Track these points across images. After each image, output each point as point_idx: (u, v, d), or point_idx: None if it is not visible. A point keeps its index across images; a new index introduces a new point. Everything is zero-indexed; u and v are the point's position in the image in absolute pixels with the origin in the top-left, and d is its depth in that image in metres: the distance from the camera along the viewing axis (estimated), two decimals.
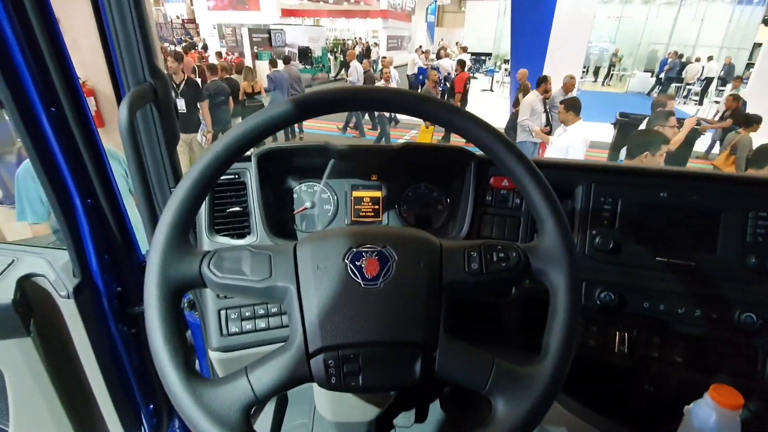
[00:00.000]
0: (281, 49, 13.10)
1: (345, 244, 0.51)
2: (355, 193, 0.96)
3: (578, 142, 3.64)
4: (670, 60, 13.79)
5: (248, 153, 0.86)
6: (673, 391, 0.79)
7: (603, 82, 16.67)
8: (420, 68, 11.88)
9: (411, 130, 8.43)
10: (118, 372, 1.02)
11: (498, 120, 6.71)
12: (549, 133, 4.79)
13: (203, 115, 4.97)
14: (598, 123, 7.00)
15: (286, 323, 0.80)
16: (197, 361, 1.13)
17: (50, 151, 0.81)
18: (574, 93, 5.33)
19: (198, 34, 18.92)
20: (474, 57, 16.46)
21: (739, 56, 13.70)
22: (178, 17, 22.38)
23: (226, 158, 0.51)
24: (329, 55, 16.69)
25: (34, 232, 1.78)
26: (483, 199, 0.88)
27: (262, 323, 0.80)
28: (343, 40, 19.93)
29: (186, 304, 1.02)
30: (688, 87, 12.76)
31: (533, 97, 4.94)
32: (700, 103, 11.89)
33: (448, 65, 10.67)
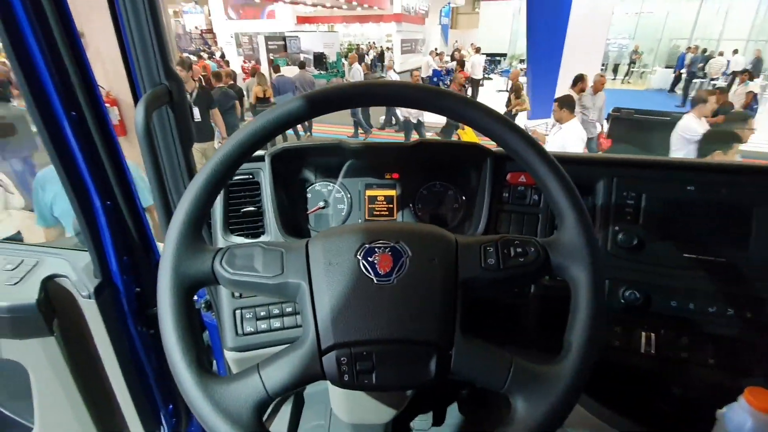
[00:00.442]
0: (297, 55, 13.28)
1: (357, 240, 0.50)
2: (369, 192, 0.95)
3: (574, 139, 3.57)
4: (688, 55, 13.38)
5: (261, 153, 0.86)
6: (705, 395, 0.75)
7: (623, 80, 16.30)
8: (435, 70, 11.88)
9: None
10: (138, 372, 1.04)
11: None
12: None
13: (216, 123, 5.04)
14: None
15: (300, 323, 0.80)
16: (215, 362, 1.13)
17: (71, 153, 0.83)
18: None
19: (216, 43, 19.37)
20: (489, 58, 16.32)
21: (767, 49, 13.18)
22: (196, 28, 22.97)
23: (239, 155, 0.51)
24: (343, 60, 16.84)
25: (45, 237, 1.91)
26: (500, 196, 0.85)
27: (276, 323, 0.80)
28: (357, 44, 20.08)
29: (203, 305, 1.03)
30: (712, 82, 12.34)
31: (570, 98, 4.72)
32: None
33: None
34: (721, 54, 12.99)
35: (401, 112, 6.80)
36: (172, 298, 0.46)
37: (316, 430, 1.24)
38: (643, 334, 0.77)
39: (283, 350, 0.47)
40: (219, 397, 0.43)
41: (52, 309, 0.93)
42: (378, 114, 8.46)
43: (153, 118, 0.85)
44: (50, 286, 0.92)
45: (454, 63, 11.66)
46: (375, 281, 0.47)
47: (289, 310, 0.80)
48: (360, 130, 7.96)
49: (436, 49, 16.48)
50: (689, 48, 14.18)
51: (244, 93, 6.66)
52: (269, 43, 14.16)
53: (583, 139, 3.62)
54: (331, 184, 0.96)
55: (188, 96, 4.56)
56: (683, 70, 12.94)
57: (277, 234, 0.83)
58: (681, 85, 12.90)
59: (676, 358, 0.76)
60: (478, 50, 12.82)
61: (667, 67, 15.15)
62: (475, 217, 0.87)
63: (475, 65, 11.11)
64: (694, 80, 12.30)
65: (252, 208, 0.85)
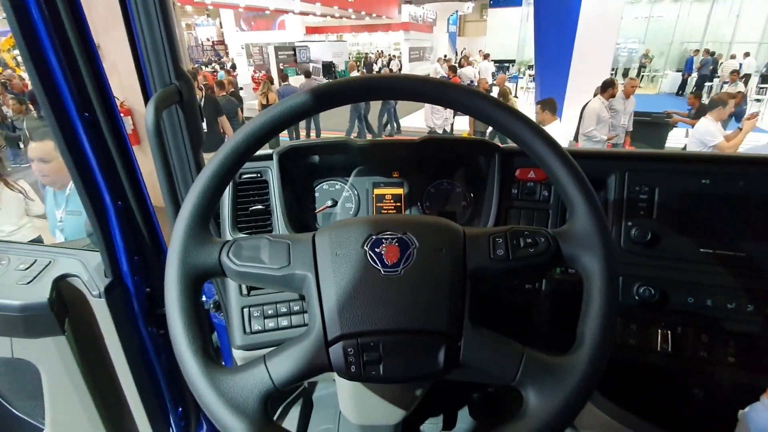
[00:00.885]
0: (306, 65, 13.46)
1: (364, 232, 0.50)
2: (377, 191, 0.95)
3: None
4: (696, 58, 13.23)
5: (269, 151, 0.87)
6: (725, 394, 0.72)
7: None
8: (442, 77, 11.93)
9: None
10: (148, 373, 1.04)
11: None
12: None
13: (225, 130, 5.09)
14: None
15: (308, 321, 0.79)
16: (223, 362, 1.13)
17: (84, 154, 0.84)
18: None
19: (227, 54, 19.73)
20: (497, 64, 16.35)
21: None
22: (208, 39, 23.45)
23: (246, 149, 0.51)
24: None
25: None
26: (509, 193, 0.84)
27: (284, 321, 0.80)
28: (366, 53, 20.27)
29: (212, 305, 1.04)
30: (724, 85, 12.16)
31: (598, 103, 4.52)
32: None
33: (470, 74, 10.67)
34: (733, 57, 12.82)
35: (427, 123, 6.70)
36: (180, 289, 0.46)
37: None
38: (659, 331, 0.75)
39: (290, 341, 0.47)
40: (225, 387, 0.43)
41: (64, 308, 0.94)
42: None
43: (163, 118, 0.86)
44: (62, 286, 0.93)
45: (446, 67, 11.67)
46: (382, 272, 0.47)
47: (296, 308, 0.80)
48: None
49: (444, 56, 16.56)
50: (697, 51, 14.03)
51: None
52: (279, 53, 14.37)
53: (568, 140, 3.55)
54: (339, 183, 0.96)
55: None
56: (693, 74, 12.80)
57: (286, 232, 0.83)
58: (688, 88, 12.74)
59: (695, 356, 0.73)
60: (486, 57, 12.88)
61: (677, 70, 15.00)
62: (484, 213, 0.86)
63: (484, 71, 11.16)
64: (706, 83, 12.14)
65: (260, 207, 0.85)
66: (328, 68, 14.79)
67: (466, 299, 0.47)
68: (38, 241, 3.26)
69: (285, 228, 0.83)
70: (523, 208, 0.84)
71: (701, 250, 0.75)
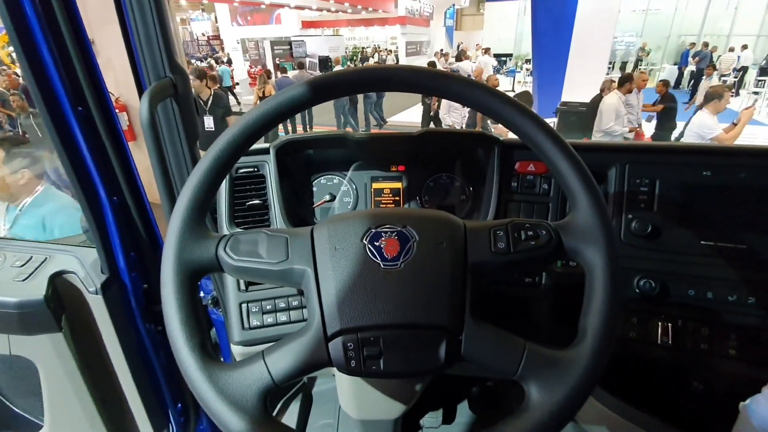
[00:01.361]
0: (302, 59, 13.40)
1: (363, 225, 0.49)
2: (375, 185, 0.94)
3: None
4: (691, 51, 13.20)
5: (266, 145, 0.86)
6: (726, 387, 0.72)
7: (626, 73, 16.12)
8: None
9: None
10: (146, 369, 1.04)
11: None
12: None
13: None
14: None
15: (307, 317, 0.79)
16: (222, 359, 1.13)
17: (78, 148, 0.83)
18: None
19: (222, 49, 19.57)
20: (494, 58, 16.29)
21: None
22: (203, 34, 23.25)
23: (242, 142, 0.50)
24: (349, 63, 16.91)
25: None
26: (508, 186, 0.84)
27: (283, 316, 0.79)
28: (362, 48, 20.15)
29: (210, 301, 1.03)
30: (723, 78, 12.16)
31: (616, 98, 4.48)
32: (737, 93, 11.30)
33: (468, 68, 10.62)
34: (731, 50, 12.81)
35: (444, 121, 6.63)
36: (176, 285, 0.45)
37: (325, 429, 1.23)
38: (660, 324, 0.75)
39: (288, 337, 0.46)
40: (223, 383, 0.42)
41: (61, 305, 0.93)
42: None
43: (158, 112, 0.85)
44: (58, 282, 0.92)
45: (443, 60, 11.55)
46: (382, 266, 0.46)
47: (295, 303, 0.79)
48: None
49: (441, 50, 16.48)
50: (693, 44, 13.99)
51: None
52: (275, 48, 14.28)
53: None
54: (337, 178, 0.95)
55: (202, 103, 4.55)
56: (692, 67, 12.77)
57: (283, 227, 0.82)
58: (684, 81, 12.73)
59: (695, 349, 0.73)
60: (486, 51, 12.80)
61: (674, 64, 14.98)
62: (484, 207, 0.85)
63: (484, 65, 11.09)
64: (703, 77, 12.12)
65: (257, 201, 0.84)
66: (324, 63, 14.70)
67: (467, 293, 0.46)
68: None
69: (283, 223, 0.82)
70: (523, 202, 0.83)
71: (702, 242, 0.75)
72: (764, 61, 11.68)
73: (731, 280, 0.73)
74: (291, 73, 7.81)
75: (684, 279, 0.75)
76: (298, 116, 7.91)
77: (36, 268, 0.94)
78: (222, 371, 0.43)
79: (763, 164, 0.74)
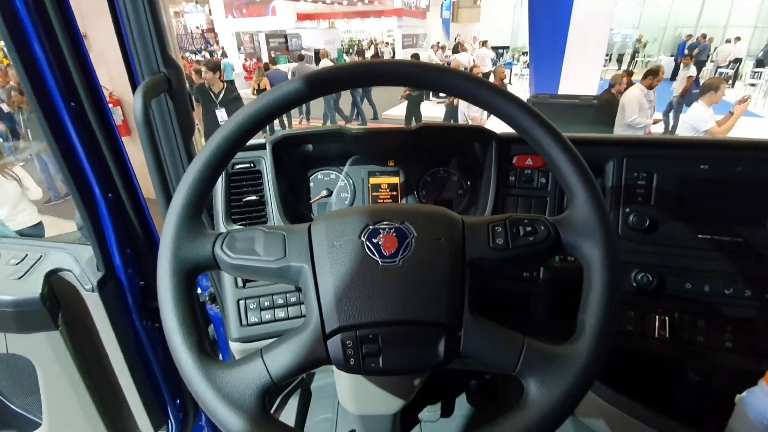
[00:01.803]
0: (298, 52, 13.31)
1: (361, 222, 0.48)
2: (372, 180, 0.93)
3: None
4: (689, 42, 13.15)
5: (262, 141, 0.85)
6: (723, 379, 0.73)
7: (627, 70, 16.10)
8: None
9: None
10: (144, 366, 1.04)
11: None
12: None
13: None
14: None
15: (305, 313, 0.79)
16: (220, 355, 1.13)
17: (71, 145, 0.82)
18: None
19: (217, 42, 19.37)
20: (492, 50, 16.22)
21: None
22: (197, 27, 22.98)
23: (238, 138, 0.49)
24: (345, 56, 16.80)
25: None
26: (506, 180, 0.84)
27: (281, 313, 0.79)
28: (358, 40, 20.01)
29: (207, 298, 1.03)
30: (719, 70, 12.15)
31: (638, 91, 4.41)
32: (732, 85, 11.30)
33: (465, 60, 10.57)
34: (728, 41, 12.79)
35: (462, 114, 6.53)
36: (173, 283, 0.45)
37: (324, 424, 1.23)
38: (657, 318, 0.75)
39: (287, 334, 0.46)
40: (221, 382, 0.42)
41: (57, 303, 0.92)
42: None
43: (152, 108, 0.84)
44: (54, 280, 0.92)
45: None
46: (380, 263, 0.46)
47: (293, 299, 0.79)
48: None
49: (438, 43, 16.38)
50: (689, 36, 13.95)
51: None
52: (270, 41, 14.17)
53: None
54: (334, 173, 0.95)
55: (213, 96, 4.51)
56: (680, 59, 12.72)
57: (280, 223, 0.82)
58: (681, 73, 12.70)
59: (692, 342, 0.73)
60: (484, 43, 12.71)
61: (671, 56, 14.95)
62: (481, 202, 0.85)
63: (483, 58, 11.03)
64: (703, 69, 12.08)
65: (254, 198, 0.84)
66: (317, 56, 14.62)
67: (465, 289, 0.46)
68: (37, 227, 3.25)
69: (280, 219, 0.82)
70: (521, 196, 0.83)
71: (699, 235, 0.75)
72: (761, 53, 11.68)
73: (728, 273, 0.73)
74: (291, 66, 7.76)
75: (681, 272, 0.75)
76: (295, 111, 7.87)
77: (31, 266, 0.93)
78: (220, 370, 0.43)
79: (760, 157, 0.74)
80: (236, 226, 0.83)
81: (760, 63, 11.26)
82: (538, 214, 0.81)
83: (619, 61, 16.67)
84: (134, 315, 0.97)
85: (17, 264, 0.94)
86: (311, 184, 0.95)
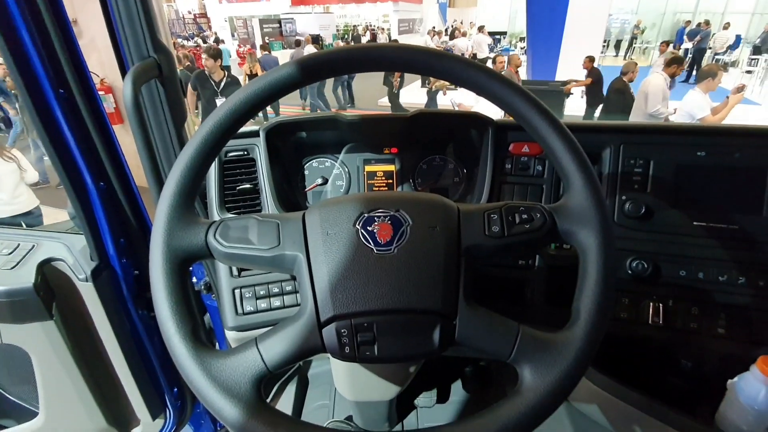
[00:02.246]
0: (292, 38, 13.09)
1: (356, 210, 0.48)
2: (368, 168, 0.93)
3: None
4: (687, 29, 13.03)
5: (256, 128, 0.84)
6: (715, 365, 0.74)
7: (625, 56, 15.98)
8: None
9: None
10: (141, 356, 1.04)
11: None
12: None
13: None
14: None
15: (300, 302, 0.79)
16: (217, 344, 1.13)
17: (61, 133, 0.80)
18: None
19: (210, 28, 19.00)
20: (489, 36, 16.00)
21: None
22: (189, 12, 22.51)
23: (230, 125, 0.48)
24: (340, 42, 16.56)
25: None
26: (502, 168, 0.83)
27: (276, 302, 0.79)
28: (354, 26, 19.70)
29: (203, 287, 1.02)
30: (716, 56, 12.07)
31: (662, 80, 4.23)
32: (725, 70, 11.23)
33: (463, 45, 10.44)
34: (726, 27, 12.68)
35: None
36: (165, 272, 0.44)
37: (321, 410, 1.25)
38: (651, 304, 0.75)
39: (282, 323, 0.45)
40: (216, 370, 0.42)
41: (51, 293, 0.92)
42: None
43: (143, 94, 0.82)
44: (47, 270, 0.91)
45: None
46: (375, 251, 0.45)
47: (288, 288, 0.79)
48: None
49: (434, 27, 16.15)
50: (688, 22, 13.82)
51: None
52: (264, 26, 13.93)
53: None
54: (329, 161, 0.94)
55: (214, 84, 4.40)
56: (686, 45, 12.62)
57: (275, 212, 0.81)
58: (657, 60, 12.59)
59: (685, 328, 0.74)
60: (481, 29, 12.52)
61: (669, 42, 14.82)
62: (477, 189, 0.84)
63: (479, 44, 10.87)
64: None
65: (248, 186, 0.83)
66: (315, 41, 14.40)
67: (460, 277, 0.46)
68: (34, 212, 3.21)
69: (274, 207, 0.81)
70: (517, 184, 0.83)
71: (694, 223, 0.75)
72: (758, 40, 11.60)
73: (722, 261, 0.73)
74: (289, 52, 7.67)
75: (676, 260, 0.75)
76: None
77: (24, 256, 0.92)
78: (214, 359, 0.43)
79: (757, 144, 0.74)
80: (230, 215, 0.82)
81: (757, 50, 11.19)
82: (535, 201, 0.81)
83: (617, 47, 16.54)
84: (129, 304, 0.97)
85: (9, 254, 0.93)
86: (306, 172, 0.94)
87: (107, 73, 3.54)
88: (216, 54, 4.60)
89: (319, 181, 0.92)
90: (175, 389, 1.12)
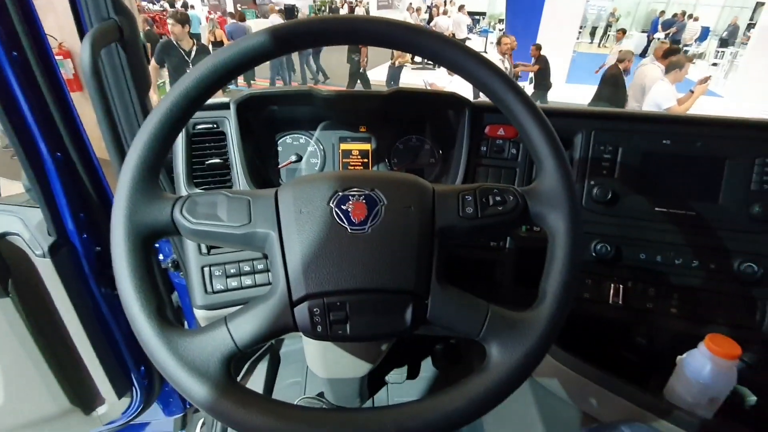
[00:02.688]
0: (266, 6, 12.50)
1: (330, 188, 0.47)
2: (343, 146, 0.91)
3: None
4: (662, 19, 13.33)
5: (226, 100, 0.80)
6: (667, 342, 0.79)
7: (599, 44, 16.22)
8: None
9: None
10: (105, 334, 1.00)
11: None
12: None
13: None
14: (583, 85, 6.84)
15: (272, 281, 0.78)
16: (186, 323, 1.11)
17: (13, 99, 0.75)
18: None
19: None
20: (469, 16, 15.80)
21: (741, 15, 13.28)
22: None
23: (197, 94, 0.46)
24: (317, 14, 15.99)
25: None
26: (477, 150, 0.83)
27: (248, 280, 0.77)
28: None
29: (170, 264, 0.99)
30: (685, 48, 12.44)
31: (659, 72, 4.16)
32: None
33: (444, 24, 10.28)
34: (696, 19, 13.05)
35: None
36: (127, 248, 0.42)
37: (293, 387, 1.26)
38: (612, 285, 0.79)
39: (252, 302, 0.45)
40: (184, 350, 0.41)
41: (6, 269, 0.87)
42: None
43: (103, 59, 0.77)
44: (1, 245, 0.86)
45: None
46: (349, 230, 0.45)
47: (260, 267, 0.78)
48: None
49: (411, 4, 15.81)
50: (662, 12, 14.13)
51: None
52: None
53: None
54: (304, 137, 0.91)
55: (184, 54, 4.04)
56: (659, 35, 12.93)
57: (246, 188, 0.79)
58: (651, 49, 12.91)
59: (642, 308, 0.78)
60: (461, 8, 12.33)
61: (643, 31, 15.13)
62: (452, 171, 0.85)
63: (458, 24, 10.71)
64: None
65: (218, 161, 0.80)
66: (290, 12, 13.83)
67: (434, 257, 0.46)
68: None
69: (245, 184, 0.79)
70: (491, 166, 0.83)
71: (656, 209, 0.78)
72: (725, 33, 12.00)
73: (679, 245, 0.77)
74: (258, 25, 7.41)
75: (637, 243, 0.79)
76: None
77: None
78: (182, 338, 0.42)
79: (717, 134, 0.77)
80: (198, 190, 0.79)
81: (724, 43, 11.58)
82: (508, 184, 0.83)
83: (592, 34, 16.73)
84: (91, 282, 0.93)
85: None
86: (280, 149, 0.91)
87: (66, 37, 3.30)
88: (183, 19, 4.14)
89: (293, 158, 0.90)
90: (142, 368, 1.09)
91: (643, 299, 0.79)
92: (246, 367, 1.29)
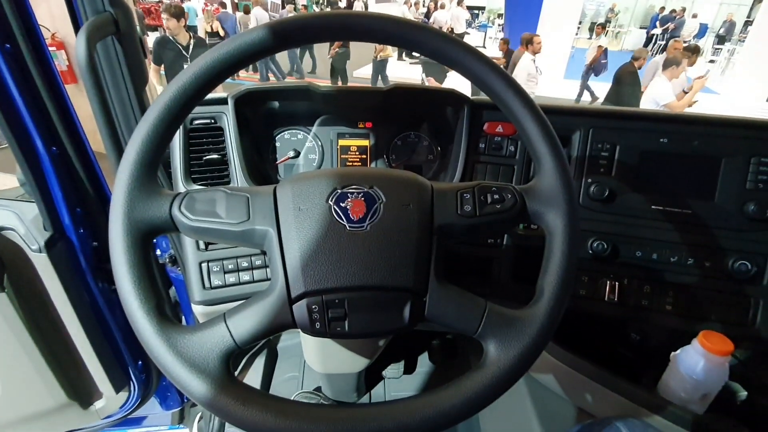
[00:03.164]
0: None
1: (329, 185, 0.47)
2: (342, 142, 0.91)
3: None
4: (661, 15, 13.30)
5: (224, 95, 0.80)
6: (661, 339, 0.80)
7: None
8: None
9: None
10: (102, 329, 1.00)
11: None
12: None
13: None
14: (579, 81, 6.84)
15: (270, 277, 0.78)
16: (183, 318, 1.11)
17: (7, 91, 0.74)
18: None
19: None
20: (468, 11, 15.70)
21: (739, 12, 13.29)
22: None
23: (196, 90, 0.46)
24: (314, 7, 15.88)
25: None
26: (476, 147, 0.83)
27: (246, 276, 0.77)
28: None
29: (168, 260, 0.99)
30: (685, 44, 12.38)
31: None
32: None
33: (442, 19, 10.20)
34: (694, 16, 13.03)
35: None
36: (126, 245, 0.42)
37: (290, 382, 1.26)
38: (608, 283, 0.80)
39: (251, 299, 0.45)
40: (183, 346, 0.41)
41: (1, 264, 0.86)
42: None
43: (99, 52, 0.76)
44: None
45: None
46: (347, 227, 0.45)
47: (258, 262, 0.78)
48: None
49: None
50: (662, 8, 14.10)
51: None
52: None
53: None
54: (302, 133, 0.91)
55: (182, 49, 3.91)
56: (656, 31, 12.90)
57: (244, 184, 0.79)
58: (650, 46, 12.89)
59: (637, 305, 0.79)
60: (460, 2, 12.25)
61: (641, 27, 15.11)
62: (451, 168, 0.85)
63: (457, 18, 10.63)
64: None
65: (215, 156, 0.79)
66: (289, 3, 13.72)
67: (432, 255, 0.46)
68: None
69: (243, 179, 0.79)
70: (490, 163, 0.83)
71: (653, 207, 0.79)
72: (722, 29, 12.00)
73: (675, 243, 0.78)
74: (255, 16, 7.38)
75: (633, 241, 0.79)
76: None
77: None
78: (181, 334, 0.42)
79: (714, 133, 0.77)
80: (196, 186, 0.79)
81: (721, 39, 11.58)
82: (506, 181, 0.83)
83: (591, 29, 16.67)
84: (88, 277, 0.93)
85: None
86: (277, 144, 0.91)
87: (58, 27, 3.25)
88: (178, 12, 3.94)
89: (291, 153, 0.90)
90: (140, 362, 1.10)
91: (638, 296, 0.79)
92: (244, 361, 1.29)
